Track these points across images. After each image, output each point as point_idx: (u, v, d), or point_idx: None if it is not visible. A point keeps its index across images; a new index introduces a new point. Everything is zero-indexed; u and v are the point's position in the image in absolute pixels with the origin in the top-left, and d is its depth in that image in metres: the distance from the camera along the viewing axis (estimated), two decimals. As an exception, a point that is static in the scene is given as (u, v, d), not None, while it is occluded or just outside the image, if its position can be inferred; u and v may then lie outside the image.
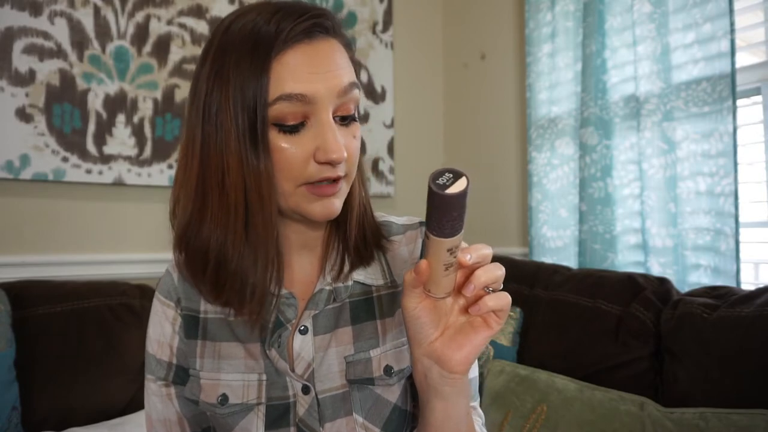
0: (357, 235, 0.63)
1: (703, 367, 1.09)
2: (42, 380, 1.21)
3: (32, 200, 1.46)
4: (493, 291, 0.50)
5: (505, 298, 0.50)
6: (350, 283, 0.64)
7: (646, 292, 1.26)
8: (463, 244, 0.50)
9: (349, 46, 0.60)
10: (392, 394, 0.63)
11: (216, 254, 0.56)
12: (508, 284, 1.56)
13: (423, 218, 0.62)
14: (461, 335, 0.51)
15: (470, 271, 0.49)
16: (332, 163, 0.55)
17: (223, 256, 0.56)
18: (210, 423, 0.65)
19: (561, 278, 1.47)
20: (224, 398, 0.61)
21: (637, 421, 1.08)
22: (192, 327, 0.65)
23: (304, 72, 0.53)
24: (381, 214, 0.71)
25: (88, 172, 1.51)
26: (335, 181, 0.56)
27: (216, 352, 0.63)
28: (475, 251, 0.49)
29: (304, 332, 0.62)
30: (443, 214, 0.45)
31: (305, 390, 0.61)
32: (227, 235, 0.55)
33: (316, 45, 0.55)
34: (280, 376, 0.62)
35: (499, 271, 0.50)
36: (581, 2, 1.62)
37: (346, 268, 0.63)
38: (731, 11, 1.28)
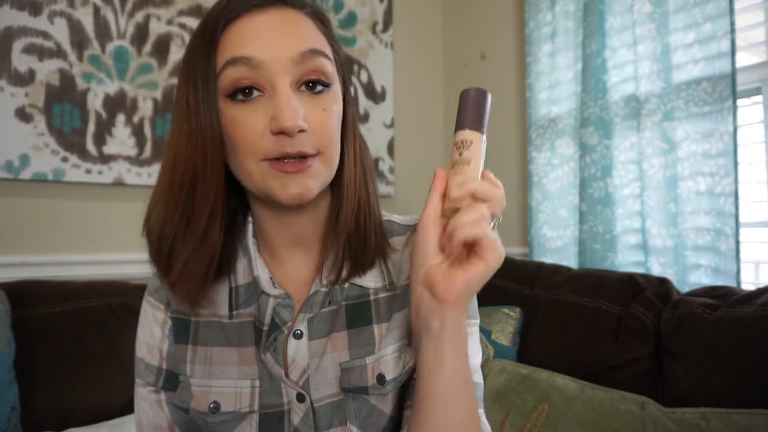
0: (356, 240, 0.59)
1: (704, 367, 1.09)
2: (41, 380, 1.20)
3: (32, 200, 1.46)
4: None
5: (478, 228, 0.46)
6: (347, 285, 0.61)
7: (647, 292, 1.26)
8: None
9: (320, 18, 0.56)
10: (387, 404, 0.59)
11: (158, 233, 0.55)
12: (509, 284, 1.59)
13: None
14: (456, 266, 0.48)
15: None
16: (287, 133, 0.49)
17: (162, 235, 0.54)
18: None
19: (561, 278, 1.47)
20: (216, 406, 0.58)
21: (637, 421, 1.08)
22: (182, 331, 0.62)
23: (251, 37, 0.50)
24: (383, 213, 0.67)
25: (88, 172, 1.51)
26: (304, 159, 0.51)
27: (207, 357, 0.60)
28: (481, 185, 0.47)
29: (298, 337, 0.59)
30: (459, 107, 0.51)
31: (300, 398, 0.58)
32: (166, 212, 0.54)
33: (269, 13, 0.52)
34: (274, 382, 0.58)
35: (484, 211, 0.47)
36: (581, 2, 1.62)
37: (344, 274, 0.59)
38: (731, 11, 1.28)
